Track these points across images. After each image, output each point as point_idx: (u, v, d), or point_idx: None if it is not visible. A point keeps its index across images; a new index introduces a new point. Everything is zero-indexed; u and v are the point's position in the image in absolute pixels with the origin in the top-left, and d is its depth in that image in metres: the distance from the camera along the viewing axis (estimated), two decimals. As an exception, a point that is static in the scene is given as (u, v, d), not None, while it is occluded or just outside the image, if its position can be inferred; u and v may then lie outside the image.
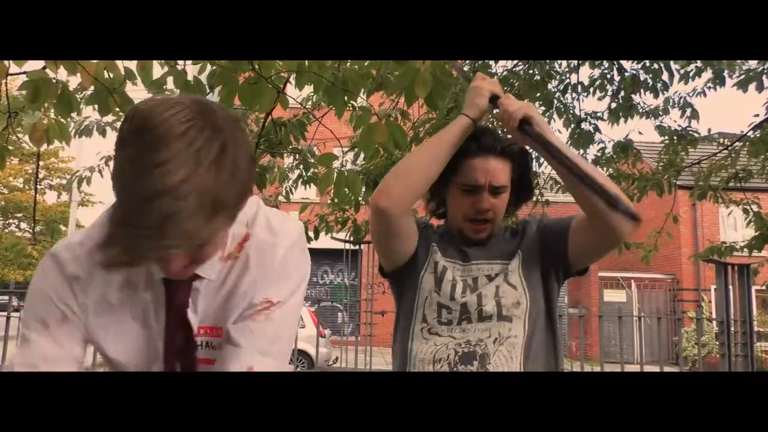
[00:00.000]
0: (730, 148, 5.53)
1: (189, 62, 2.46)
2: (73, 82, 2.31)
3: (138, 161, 0.73)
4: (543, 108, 4.96)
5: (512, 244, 1.46)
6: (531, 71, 4.78)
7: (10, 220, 20.32)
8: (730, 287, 4.80)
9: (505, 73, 4.63)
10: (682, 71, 4.98)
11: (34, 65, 2.10)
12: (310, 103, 4.50)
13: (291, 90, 2.79)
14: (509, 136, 1.39)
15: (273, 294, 0.98)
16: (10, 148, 2.81)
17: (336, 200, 3.81)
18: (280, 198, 5.09)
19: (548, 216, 1.51)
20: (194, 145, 0.74)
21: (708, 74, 5.07)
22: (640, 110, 5.21)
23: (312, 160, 4.39)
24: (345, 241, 5.50)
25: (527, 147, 1.42)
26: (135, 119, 0.77)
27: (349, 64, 2.39)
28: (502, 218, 1.47)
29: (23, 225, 20.44)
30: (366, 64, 2.64)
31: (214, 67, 2.22)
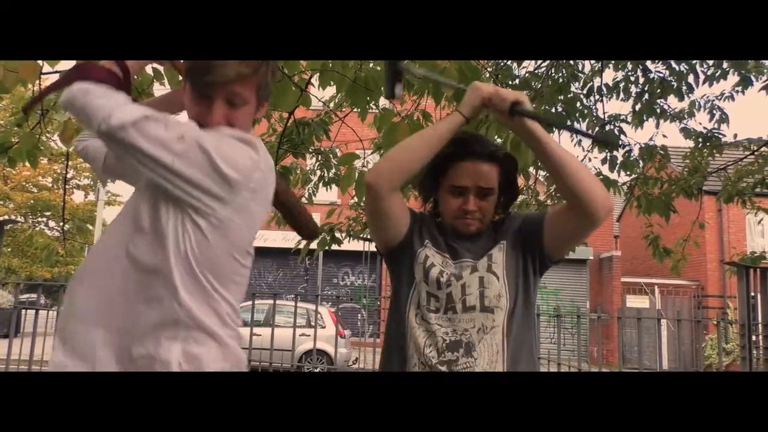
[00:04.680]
0: (757, 153, 5.44)
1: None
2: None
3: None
4: (566, 112, 4.91)
5: (496, 236, 1.56)
6: (554, 75, 4.74)
7: (39, 219, 20.73)
8: (758, 294, 4.71)
9: (527, 75, 4.60)
10: (708, 72, 4.89)
11: (66, 65, 2.15)
12: (332, 104, 4.53)
13: (313, 91, 2.82)
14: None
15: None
16: (41, 148, 2.88)
17: (358, 201, 3.83)
18: (303, 200, 5.12)
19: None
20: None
21: (734, 78, 4.98)
22: (667, 113, 5.14)
23: (334, 161, 4.41)
24: (365, 240, 5.52)
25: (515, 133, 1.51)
26: None
27: (371, 64, 2.41)
28: (491, 220, 1.58)
29: (51, 223, 20.84)
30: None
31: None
